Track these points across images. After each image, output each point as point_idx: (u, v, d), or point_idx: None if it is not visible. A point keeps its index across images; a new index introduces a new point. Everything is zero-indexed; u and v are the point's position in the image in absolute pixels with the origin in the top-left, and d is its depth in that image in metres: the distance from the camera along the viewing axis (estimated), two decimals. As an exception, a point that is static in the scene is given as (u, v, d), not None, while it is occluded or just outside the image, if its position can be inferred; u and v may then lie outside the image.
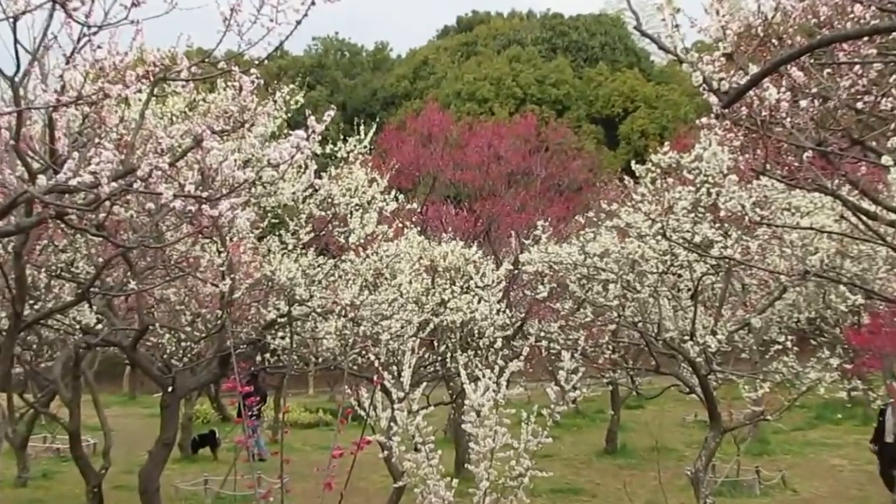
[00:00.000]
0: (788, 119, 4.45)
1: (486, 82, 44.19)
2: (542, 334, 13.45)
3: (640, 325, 11.02)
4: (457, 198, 23.23)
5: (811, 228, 7.80)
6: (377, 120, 13.14)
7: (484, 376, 7.14)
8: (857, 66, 4.59)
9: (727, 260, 8.96)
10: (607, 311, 11.77)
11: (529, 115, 31.23)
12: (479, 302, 11.88)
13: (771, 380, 10.02)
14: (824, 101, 4.59)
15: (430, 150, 22.56)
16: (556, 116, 38.58)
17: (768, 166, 5.14)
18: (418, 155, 22.08)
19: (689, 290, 10.92)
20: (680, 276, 10.84)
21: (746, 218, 8.14)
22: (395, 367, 10.96)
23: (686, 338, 9.79)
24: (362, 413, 7.17)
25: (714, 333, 9.52)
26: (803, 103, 4.50)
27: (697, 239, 8.91)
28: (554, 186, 23.13)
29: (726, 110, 4.05)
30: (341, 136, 10.97)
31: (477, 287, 12.03)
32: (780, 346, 10.26)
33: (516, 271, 14.45)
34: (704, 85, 3.79)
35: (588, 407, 21.91)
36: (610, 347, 13.21)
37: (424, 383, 11.17)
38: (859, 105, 4.65)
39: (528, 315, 14.67)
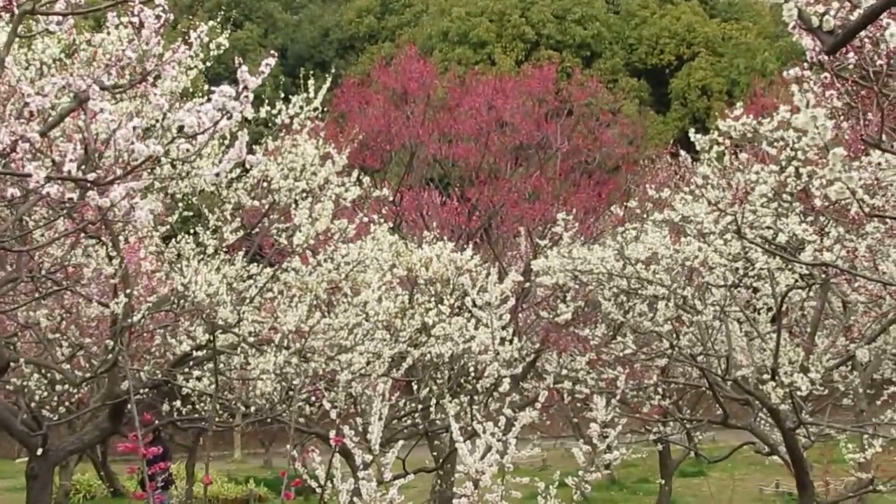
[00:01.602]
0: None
1: (483, 18, 44.29)
2: (565, 372, 13.46)
3: (700, 359, 11.04)
4: (444, 181, 23.26)
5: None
6: (332, 71, 13.11)
7: (484, 431, 7.14)
8: None
9: (824, 268, 8.98)
10: (655, 340, 11.78)
11: (545, 65, 31.28)
12: (475, 327, 11.88)
13: (884, 435, 10.05)
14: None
15: (405, 113, 22.55)
16: (583, 66, 38.74)
17: (884, 136, 5.14)
18: (389, 121, 22.04)
19: (769, 310, 10.95)
20: (757, 290, 10.86)
21: (852, 209, 8.15)
22: (358, 420, 10.93)
23: (765, 377, 9.81)
24: (314, 484, 7.15)
25: (805, 371, 9.55)
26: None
27: (782, 238, 8.93)
28: (580, 165, 23.16)
29: (827, 58, 4.04)
30: (281, 94, 10.96)
31: (473, 306, 12.02)
32: (896, 389, 10.33)
33: (528, 284, 14.46)
34: (800, 22, 3.78)
35: (628, 474, 21.97)
36: (659, 391, 13.23)
37: (400, 442, 11.15)
38: None
39: (545, 346, 14.68)
